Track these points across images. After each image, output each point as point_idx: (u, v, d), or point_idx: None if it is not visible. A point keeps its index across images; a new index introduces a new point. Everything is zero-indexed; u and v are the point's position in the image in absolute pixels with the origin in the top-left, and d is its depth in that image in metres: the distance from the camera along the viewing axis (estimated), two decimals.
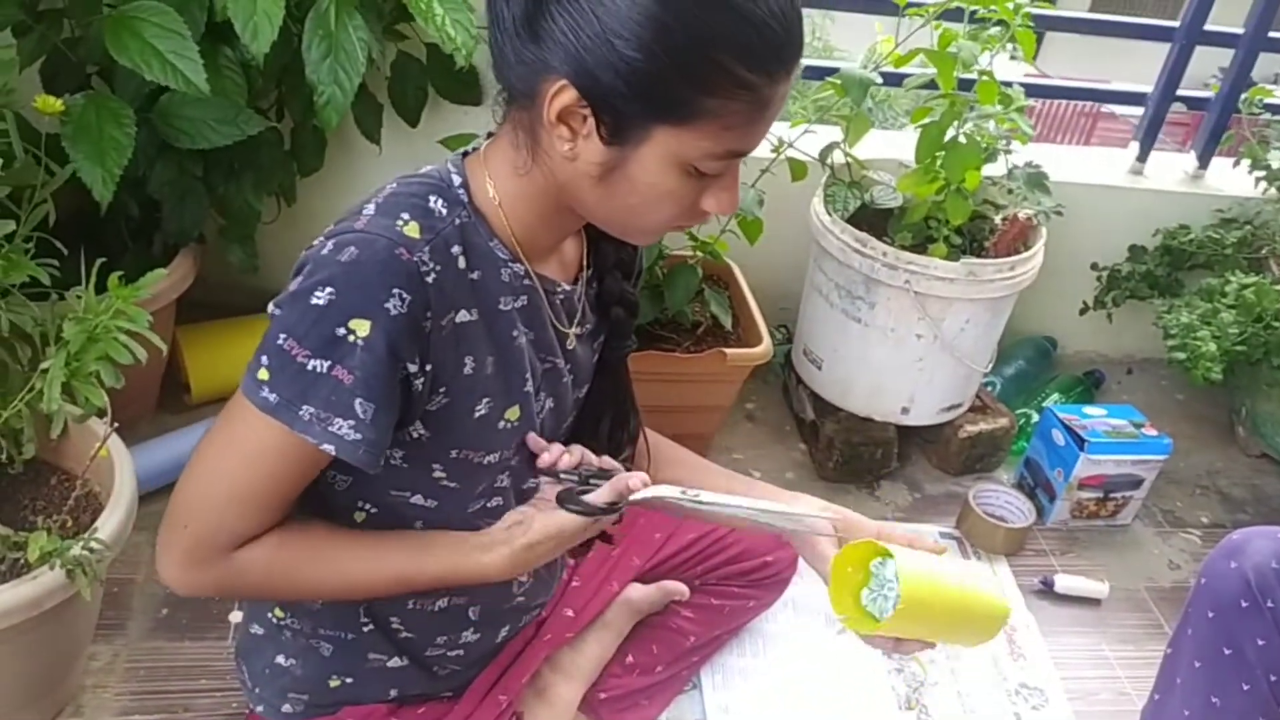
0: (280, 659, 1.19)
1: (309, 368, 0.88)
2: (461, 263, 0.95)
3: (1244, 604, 1.25)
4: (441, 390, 0.98)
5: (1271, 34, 2.30)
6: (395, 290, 0.88)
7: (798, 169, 1.87)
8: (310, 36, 1.50)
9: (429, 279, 0.91)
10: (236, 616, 1.58)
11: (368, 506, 1.08)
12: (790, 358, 2.20)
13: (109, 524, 1.24)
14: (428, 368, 0.94)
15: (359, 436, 0.91)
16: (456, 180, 0.98)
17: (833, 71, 1.87)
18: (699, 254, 1.92)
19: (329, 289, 0.87)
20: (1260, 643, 1.24)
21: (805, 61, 1.62)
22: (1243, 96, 2.32)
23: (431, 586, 1.08)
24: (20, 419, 1.29)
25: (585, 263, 1.14)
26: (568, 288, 1.09)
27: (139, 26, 1.38)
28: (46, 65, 1.59)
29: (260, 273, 1.86)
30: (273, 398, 0.89)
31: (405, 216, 0.92)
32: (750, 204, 1.81)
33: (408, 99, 1.88)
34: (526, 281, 1.03)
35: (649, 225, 0.99)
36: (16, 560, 1.21)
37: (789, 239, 2.07)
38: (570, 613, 1.42)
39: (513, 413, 1.05)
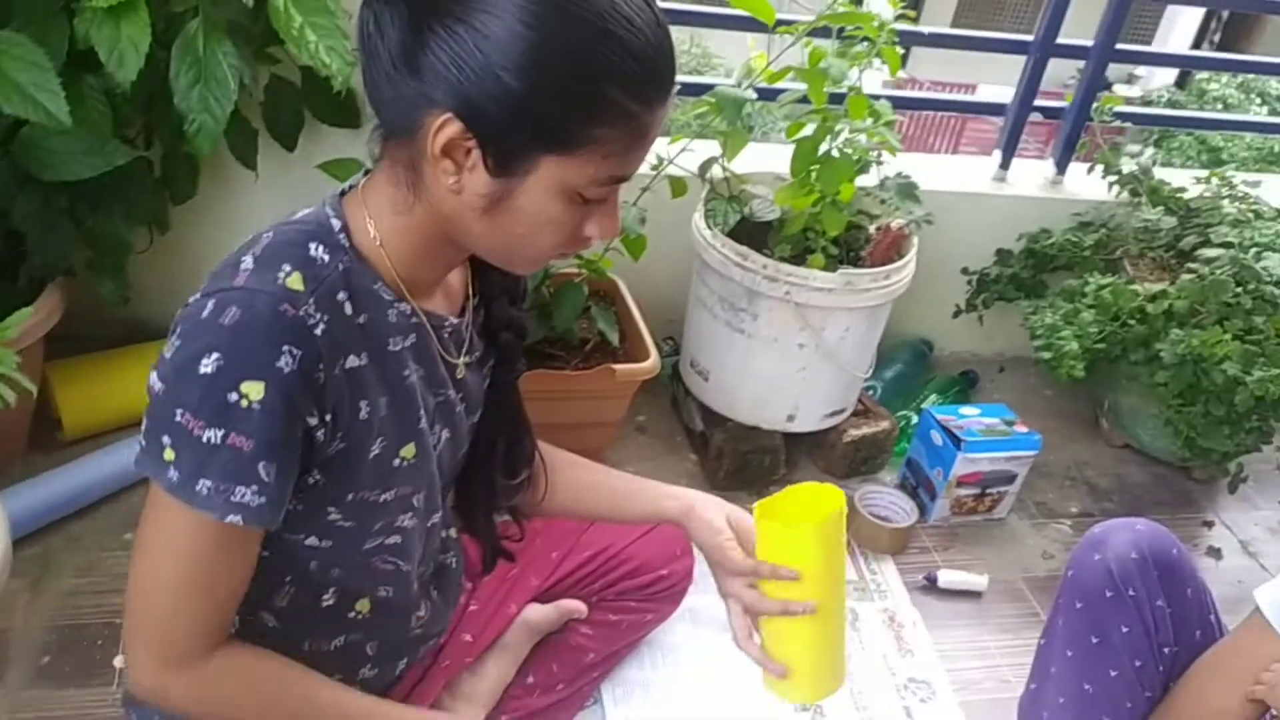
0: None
1: (204, 440, 0.87)
2: (348, 308, 0.94)
3: (1108, 594, 1.32)
4: (339, 436, 0.97)
5: (1120, 46, 2.43)
6: (285, 347, 0.87)
7: (677, 186, 1.90)
8: (178, 64, 1.47)
9: (317, 331, 0.89)
10: (120, 661, 1.53)
11: (260, 550, 1.05)
12: (678, 370, 2.24)
13: None
14: (327, 417, 0.93)
15: (262, 500, 0.90)
16: (336, 224, 0.96)
17: (710, 88, 1.91)
18: (584, 272, 1.94)
19: (215, 354, 0.85)
20: (1125, 629, 1.32)
21: (683, 79, 1.65)
22: (1094, 105, 2.45)
23: None
24: None
25: (471, 291, 1.15)
26: (455, 320, 1.09)
27: None
28: None
29: (132, 304, 1.81)
30: (175, 476, 0.88)
31: (287, 268, 0.90)
32: (633, 221, 1.84)
33: (283, 123, 1.85)
34: (414, 320, 1.02)
35: (534, 255, 0.99)
36: None
37: (672, 254, 2.10)
38: (468, 637, 1.42)
39: (408, 450, 1.05)
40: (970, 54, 2.60)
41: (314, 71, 1.84)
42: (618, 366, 1.88)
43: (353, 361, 0.95)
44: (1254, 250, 2.07)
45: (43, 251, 1.59)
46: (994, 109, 2.55)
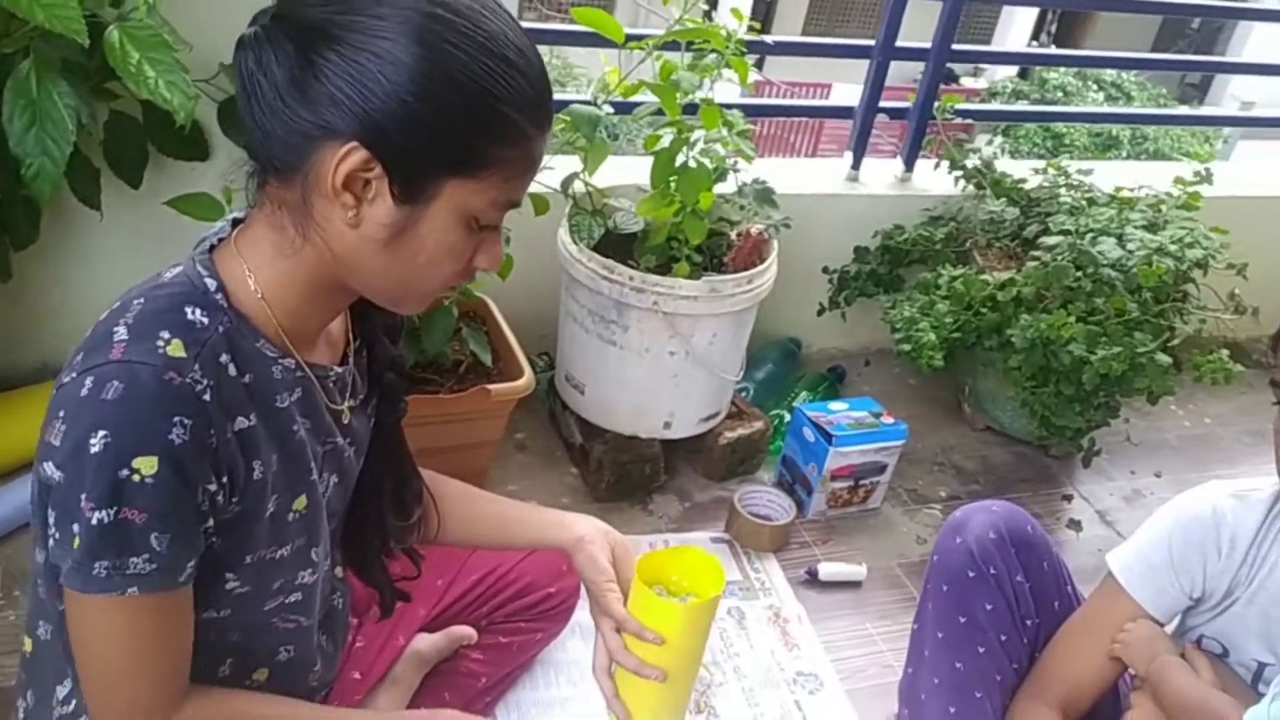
0: None
1: (94, 521, 0.85)
2: (232, 370, 0.92)
3: (971, 574, 1.39)
4: (235, 499, 0.95)
5: (956, 46, 2.55)
6: (175, 418, 0.85)
7: (540, 204, 1.91)
8: (11, 106, 1.41)
9: (205, 397, 0.88)
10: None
11: None
12: (554, 385, 2.25)
13: None
14: (224, 480, 0.92)
15: (154, 567, 0.88)
16: (211, 284, 0.94)
17: (566, 105, 1.93)
18: (452, 294, 1.93)
19: (101, 433, 0.84)
20: (989, 607, 1.38)
21: None
22: (936, 104, 2.56)
23: None
24: None
25: (351, 335, 1.13)
26: (339, 370, 1.08)
27: None
28: None
29: None
30: (68, 565, 0.87)
31: (165, 335, 0.88)
32: None
33: (126, 160, 1.79)
34: (299, 374, 1.01)
35: (428, 288, 0.98)
36: None
37: (540, 270, 2.10)
38: (357, 675, 1.40)
39: (300, 503, 1.04)
40: (826, 66, 2.69)
41: (155, 106, 1.81)
42: (492, 386, 1.88)
43: (242, 423, 0.93)
44: (1089, 235, 2.19)
45: None
46: (842, 112, 2.63)
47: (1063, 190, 2.43)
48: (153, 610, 0.91)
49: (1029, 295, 2.17)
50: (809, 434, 2.13)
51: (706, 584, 1.17)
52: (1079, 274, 2.13)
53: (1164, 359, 2.07)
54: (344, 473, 1.14)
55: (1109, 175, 2.57)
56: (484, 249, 0.97)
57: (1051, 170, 2.50)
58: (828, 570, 2.01)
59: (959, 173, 2.52)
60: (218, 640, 1.05)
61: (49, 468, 0.87)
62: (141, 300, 0.91)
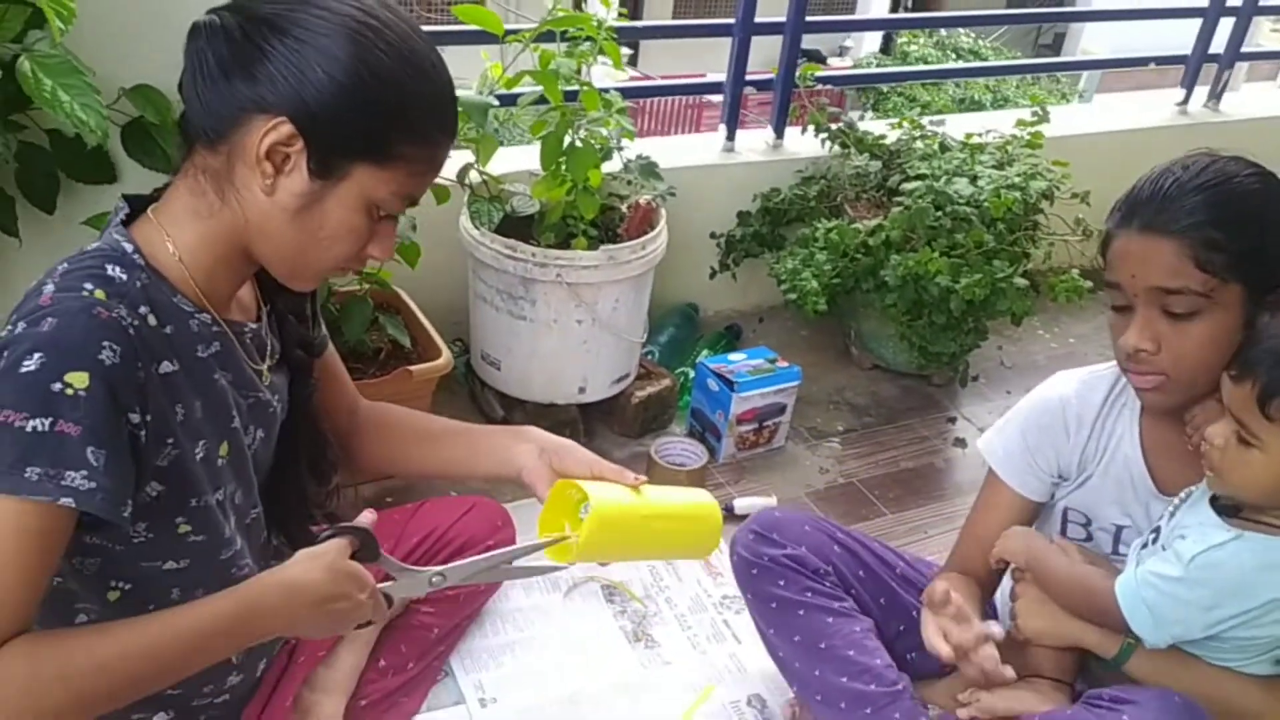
0: None
1: (29, 429, 0.89)
2: (152, 320, 1.02)
3: (754, 571, 1.58)
4: (169, 441, 1.04)
5: (810, 19, 2.75)
6: (104, 342, 0.94)
7: (440, 193, 2.03)
8: None
9: (130, 331, 0.97)
10: None
11: (120, 584, 1.11)
12: (470, 365, 2.38)
13: None
14: (148, 418, 1.00)
15: (93, 484, 0.92)
16: (128, 247, 1.04)
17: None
18: (365, 286, 2.05)
19: (37, 354, 0.91)
20: (781, 583, 1.55)
21: None
22: (797, 74, 2.75)
23: (228, 634, 1.03)
24: None
25: (260, 301, 1.25)
26: (253, 326, 1.19)
27: None
28: None
29: None
30: None
31: (90, 285, 0.97)
32: (404, 230, 1.97)
33: (38, 187, 1.85)
34: (215, 328, 1.12)
35: (321, 264, 1.11)
36: None
37: (446, 257, 2.23)
38: None
39: (224, 449, 1.14)
40: (699, 47, 2.86)
41: (62, 134, 1.89)
42: (413, 368, 2.00)
43: (166, 367, 1.04)
44: (944, 178, 2.41)
45: None
46: (713, 88, 2.82)
47: (918, 142, 2.64)
48: (45, 533, 0.91)
49: (897, 238, 2.37)
50: (712, 384, 2.30)
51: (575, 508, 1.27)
52: (939, 214, 2.34)
53: (1021, 282, 2.29)
54: (268, 427, 1.25)
55: (960, 125, 2.80)
56: (378, 239, 1.11)
57: (907, 124, 2.71)
58: (742, 504, 2.18)
59: (824, 135, 2.72)
60: (183, 596, 1.13)
61: None
62: (66, 264, 1.01)
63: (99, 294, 0.97)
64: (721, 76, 2.75)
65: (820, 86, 2.77)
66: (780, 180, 2.74)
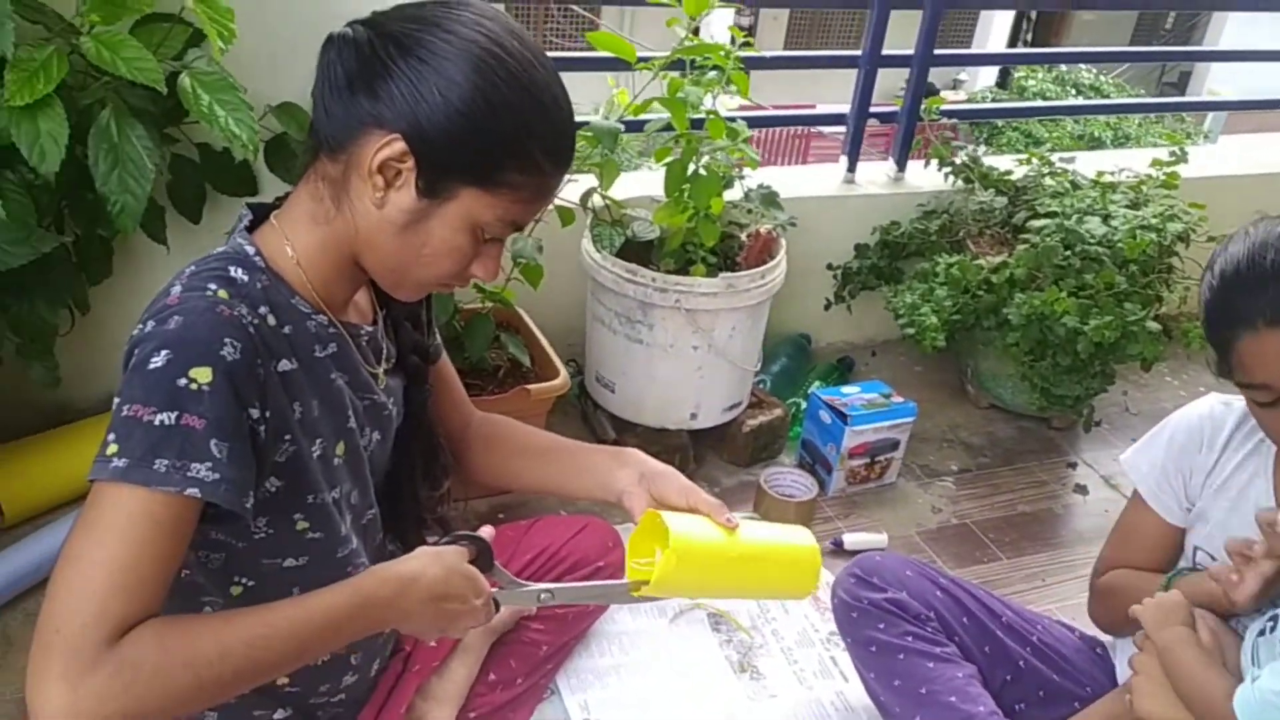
0: None
1: (157, 423, 0.93)
2: (271, 320, 1.05)
3: (854, 615, 1.55)
4: (287, 438, 1.07)
5: (938, 51, 2.72)
6: (226, 339, 0.97)
7: (566, 216, 2.07)
8: (95, 151, 1.57)
9: (250, 330, 1.00)
10: None
11: (243, 580, 1.15)
12: (584, 387, 2.40)
13: None
14: (267, 414, 1.03)
15: (218, 475, 0.95)
16: (250, 250, 1.09)
17: (583, 124, 2.09)
18: (489, 304, 2.09)
19: (164, 351, 0.95)
20: (881, 626, 1.52)
21: None
22: (923, 107, 2.73)
23: (343, 625, 1.04)
24: None
25: (377, 306, 1.28)
26: (369, 329, 1.22)
27: None
28: None
29: (61, 386, 1.87)
30: (123, 463, 0.92)
31: (213, 286, 1.01)
32: (530, 251, 2.00)
33: (187, 198, 1.95)
34: (332, 330, 1.15)
35: (424, 279, 1.13)
36: None
37: (565, 279, 2.26)
38: (433, 642, 1.54)
39: (340, 448, 1.17)
40: (806, 78, 2.86)
41: (210, 148, 1.98)
42: (532, 386, 2.03)
43: (284, 365, 1.07)
44: (1076, 216, 2.35)
45: None
46: (835, 119, 2.80)
47: (1046, 178, 2.59)
48: (171, 524, 0.93)
49: (1022, 276, 2.32)
50: (825, 416, 2.28)
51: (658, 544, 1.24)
52: (1068, 252, 2.28)
53: (1154, 326, 2.22)
54: (384, 430, 1.27)
55: (1090, 163, 2.73)
56: (482, 260, 1.13)
57: (1035, 160, 2.66)
58: (852, 540, 2.15)
59: (948, 169, 2.68)
60: (303, 593, 1.14)
61: (116, 398, 0.96)
62: (193, 266, 1.06)
63: (222, 293, 1.00)
64: (829, 108, 2.74)
65: (945, 120, 2.73)
66: (900, 213, 2.71)
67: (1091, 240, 2.28)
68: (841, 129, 2.81)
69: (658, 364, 2.18)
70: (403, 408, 1.32)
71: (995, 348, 2.42)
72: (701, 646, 1.88)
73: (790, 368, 2.67)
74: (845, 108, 2.76)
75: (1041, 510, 2.35)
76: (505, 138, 1.03)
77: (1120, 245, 2.25)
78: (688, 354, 2.16)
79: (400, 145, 1.02)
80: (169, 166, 1.91)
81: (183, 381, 0.94)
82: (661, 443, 2.25)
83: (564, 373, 2.10)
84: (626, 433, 2.27)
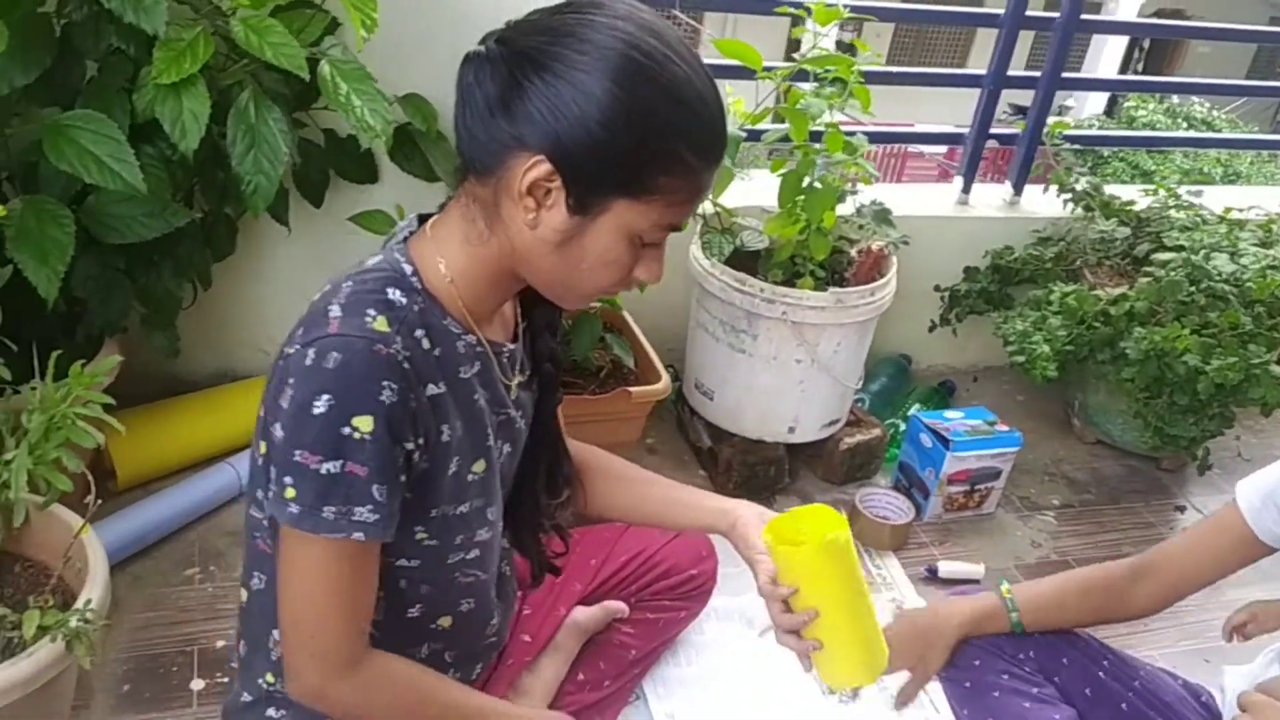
0: (271, 711, 1.27)
1: (323, 471, 0.99)
2: (425, 343, 1.07)
3: (976, 662, 1.48)
4: (427, 459, 1.09)
5: (1065, 74, 2.65)
6: (384, 383, 0.99)
7: None
8: (233, 131, 1.60)
9: (405, 365, 1.02)
10: (198, 684, 1.64)
11: None
12: (681, 393, 2.39)
13: (92, 597, 1.31)
14: (421, 441, 1.06)
15: (377, 516, 1.02)
16: (408, 269, 1.09)
17: None
18: (596, 304, 2.09)
19: (325, 396, 0.98)
20: (1005, 677, 1.46)
21: None
22: (1045, 130, 2.66)
23: None
24: None
25: (519, 317, 1.28)
26: (511, 346, 1.22)
27: (75, 134, 1.46)
28: None
29: (179, 358, 1.93)
30: (297, 510, 1.00)
31: (372, 313, 1.02)
32: None
33: (312, 182, 1.99)
34: (479, 349, 1.15)
35: (587, 290, 1.11)
36: (11, 640, 1.26)
37: (670, 285, 2.23)
38: (527, 638, 1.54)
39: (479, 466, 1.18)
40: (906, 95, 2.80)
41: (335, 134, 2.02)
42: (633, 389, 2.03)
43: (433, 390, 1.08)
44: (1203, 252, 2.27)
45: (104, 311, 1.71)
46: (953, 139, 2.75)
47: (1172, 211, 2.51)
48: (361, 557, 1.06)
49: (1142, 310, 2.25)
50: (926, 440, 2.24)
51: (827, 526, 1.23)
52: (1193, 289, 2.21)
53: (1278, 370, 2.13)
54: (514, 442, 1.27)
55: (1216, 198, 2.64)
56: (645, 263, 1.09)
57: (1162, 191, 2.58)
58: (947, 568, 2.10)
59: (1068, 195, 2.61)
60: (409, 588, 1.20)
61: (276, 429, 1.01)
62: (350, 283, 1.06)
63: (379, 323, 1.01)
64: (925, 127, 2.69)
65: (1066, 146, 2.67)
66: (1015, 238, 2.65)
67: (1218, 277, 2.20)
68: (940, 149, 2.76)
69: (759, 375, 2.16)
70: (530, 419, 1.31)
71: (1108, 382, 2.35)
72: (791, 664, 1.84)
73: (889, 388, 2.63)
74: (940, 127, 2.71)
75: None
76: (649, 144, 0.99)
77: (1249, 284, 2.17)
78: (790, 367, 2.14)
79: (546, 166, 0.99)
80: (296, 150, 1.95)
81: (346, 430, 0.98)
82: (757, 454, 2.23)
83: (666, 378, 2.09)
84: (722, 442, 2.25)
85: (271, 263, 2.12)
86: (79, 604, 1.28)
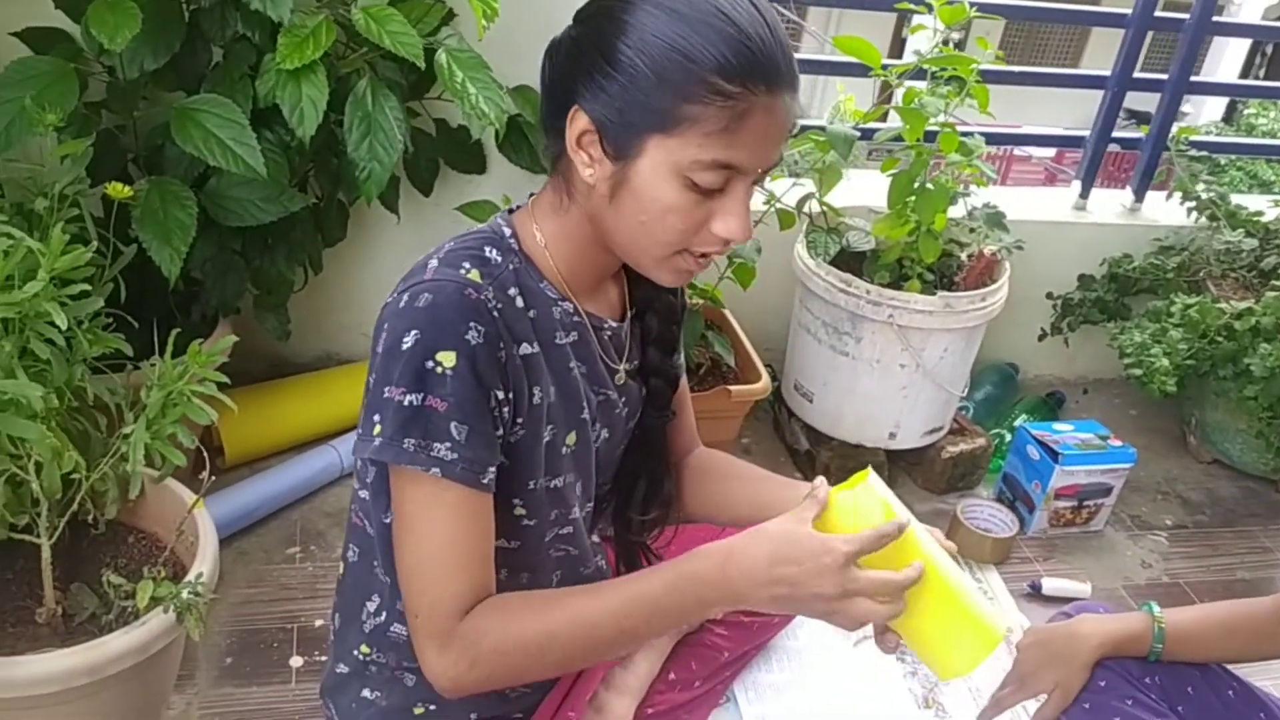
0: (366, 692, 1.27)
1: (406, 403, 0.98)
2: (519, 302, 1.07)
3: (1101, 683, 1.39)
4: (519, 421, 1.08)
5: (1194, 79, 2.55)
6: (471, 323, 0.99)
7: (786, 219, 2.04)
8: (350, 118, 1.63)
9: (495, 313, 1.02)
10: (297, 662, 1.67)
11: None
12: (780, 394, 2.35)
13: (203, 571, 1.34)
14: (510, 394, 1.04)
15: (455, 456, 0.99)
16: (507, 232, 1.10)
17: (814, 129, 2.04)
18: (699, 300, 2.07)
19: (413, 331, 0.99)
20: (1129, 702, 1.38)
21: None
22: (1171, 135, 2.56)
23: (662, 602, 1.01)
24: (105, 482, 1.39)
25: (628, 303, 1.26)
26: (615, 324, 1.20)
27: (201, 118, 1.50)
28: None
29: (289, 340, 1.96)
30: (378, 442, 1.00)
31: (466, 265, 1.03)
32: (749, 252, 1.97)
33: (421, 172, 2.01)
34: (576, 318, 1.14)
35: (658, 246, 1.04)
36: (125, 609, 1.30)
37: (771, 285, 2.22)
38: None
39: (571, 438, 1.16)
40: (1012, 97, 2.69)
41: (446, 124, 2.03)
42: (733, 388, 2.01)
43: (526, 349, 1.07)
44: None
45: (220, 291, 1.75)
46: (1073, 141, 2.66)
47: None
48: (457, 506, 1.01)
49: (1269, 325, 2.14)
50: (1033, 452, 2.17)
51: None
52: None
53: None
54: (613, 429, 1.25)
55: None
56: (719, 215, 1.02)
57: None
58: (1051, 585, 2.03)
59: (1192, 204, 2.51)
60: (509, 579, 1.17)
61: (371, 375, 1.02)
62: (452, 242, 1.08)
63: (474, 274, 1.02)
64: (1032, 128, 2.60)
65: (1192, 151, 2.56)
66: (1134, 246, 2.55)
67: None
68: (1048, 152, 2.67)
69: (861, 378, 2.12)
70: (637, 415, 1.28)
71: (1229, 399, 2.25)
72: (885, 675, 1.82)
73: (995, 397, 2.56)
74: (1048, 129, 2.62)
75: (1262, 579, 2.17)
76: (665, 74, 0.95)
77: None
78: (894, 371, 2.09)
79: (583, 117, 1.00)
80: (409, 139, 1.98)
81: (429, 364, 0.98)
82: (856, 458, 2.18)
83: (766, 378, 2.06)
84: (820, 445, 2.21)
85: (380, 250, 2.15)
86: (190, 576, 1.31)
